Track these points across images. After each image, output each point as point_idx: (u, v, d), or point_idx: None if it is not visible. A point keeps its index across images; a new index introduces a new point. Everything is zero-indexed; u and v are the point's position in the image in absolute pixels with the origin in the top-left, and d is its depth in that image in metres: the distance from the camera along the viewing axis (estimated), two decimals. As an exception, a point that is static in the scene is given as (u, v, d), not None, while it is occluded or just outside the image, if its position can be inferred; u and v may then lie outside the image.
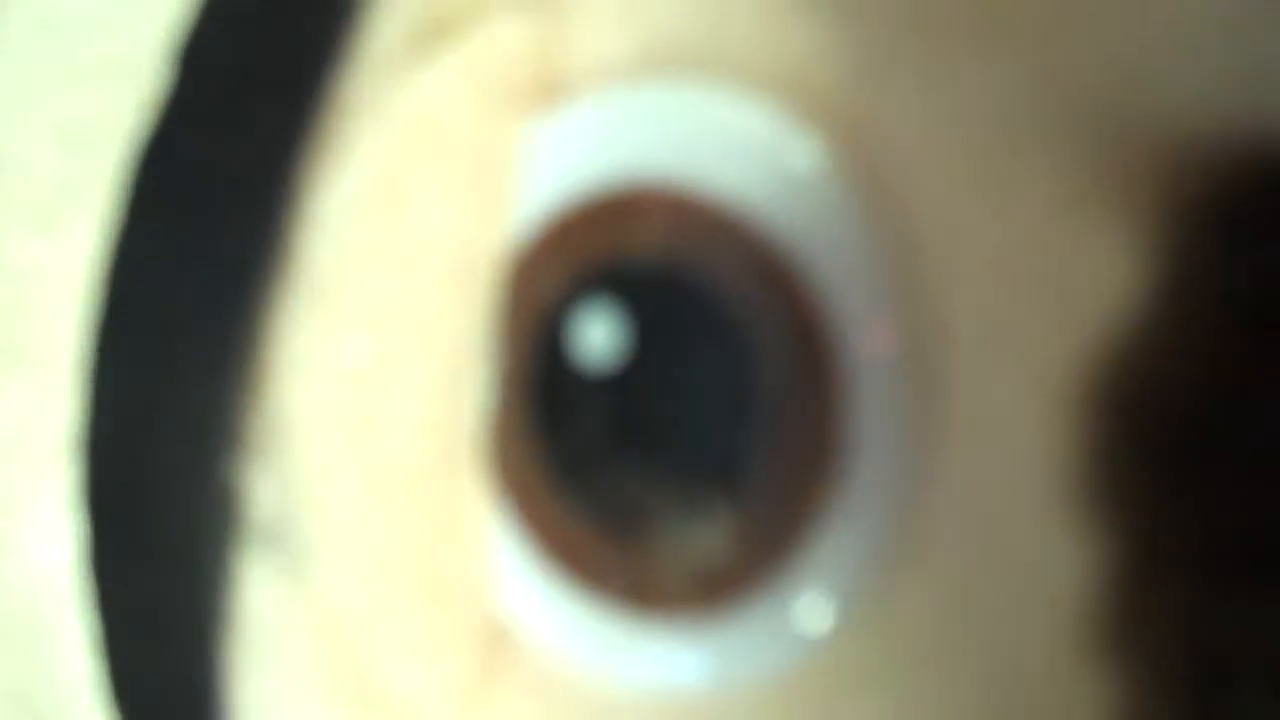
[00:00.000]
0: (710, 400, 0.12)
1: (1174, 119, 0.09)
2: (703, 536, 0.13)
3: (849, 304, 0.12)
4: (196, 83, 0.14)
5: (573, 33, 0.13)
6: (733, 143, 0.12)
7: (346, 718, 0.14)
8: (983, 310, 0.11)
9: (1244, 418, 0.09)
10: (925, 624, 0.11)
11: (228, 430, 0.14)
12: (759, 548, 0.12)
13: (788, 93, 0.11)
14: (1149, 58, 0.09)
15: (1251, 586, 0.09)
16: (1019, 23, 0.09)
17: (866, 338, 0.12)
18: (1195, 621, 0.09)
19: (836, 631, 0.12)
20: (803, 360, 0.12)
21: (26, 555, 0.16)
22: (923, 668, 0.11)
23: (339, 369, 0.14)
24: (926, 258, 0.11)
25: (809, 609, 0.12)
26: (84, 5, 0.15)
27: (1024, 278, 0.10)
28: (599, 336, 0.12)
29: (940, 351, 0.11)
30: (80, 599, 0.15)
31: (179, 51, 0.14)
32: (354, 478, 0.14)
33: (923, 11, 0.10)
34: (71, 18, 0.15)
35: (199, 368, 0.14)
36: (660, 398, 0.13)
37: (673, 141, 0.12)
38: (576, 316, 0.13)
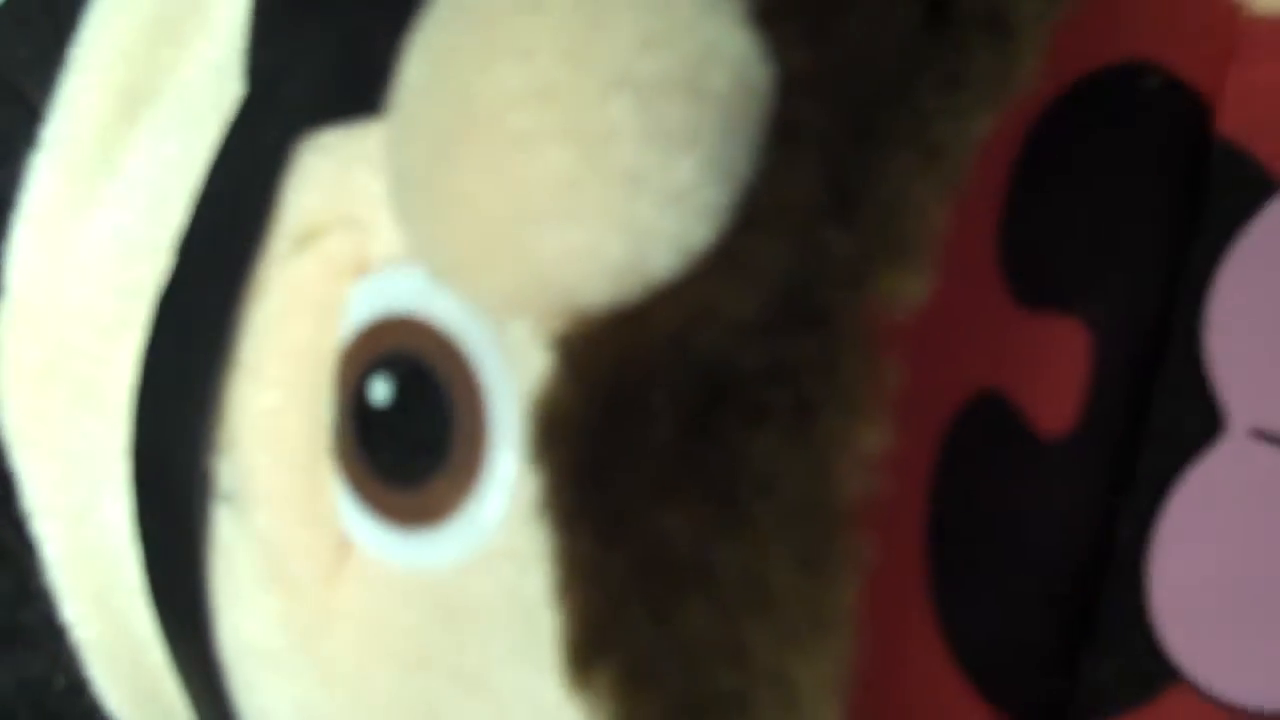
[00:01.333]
0: (431, 423, 0.19)
1: (558, 301, 0.16)
2: (437, 484, 0.19)
3: (493, 370, 0.19)
4: (184, 265, 0.22)
5: (373, 242, 0.20)
6: (441, 295, 0.19)
7: (267, 591, 0.21)
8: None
9: (614, 418, 0.16)
10: (518, 527, 0.19)
11: (208, 442, 0.22)
12: (460, 487, 0.19)
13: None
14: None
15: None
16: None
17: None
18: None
19: (500, 528, 0.19)
20: (468, 402, 0.19)
21: (105, 513, 0.24)
22: (521, 540, 0.18)
23: (260, 410, 0.21)
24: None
25: (490, 517, 0.19)
26: (136, 224, 0.23)
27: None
28: (382, 390, 0.20)
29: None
30: (132, 536, 0.23)
31: (178, 247, 0.22)
32: (270, 466, 0.21)
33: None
34: (130, 232, 0.23)
35: (191, 411, 0.22)
36: (409, 420, 0.20)
37: (417, 292, 0.20)
38: (373, 381, 0.20)
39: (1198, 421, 0.24)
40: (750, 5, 0.17)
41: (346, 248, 0.21)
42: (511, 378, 0.19)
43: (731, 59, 0.16)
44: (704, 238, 0.16)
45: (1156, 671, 0.23)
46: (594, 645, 0.17)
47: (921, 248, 0.17)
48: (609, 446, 0.17)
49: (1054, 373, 0.23)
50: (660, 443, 0.17)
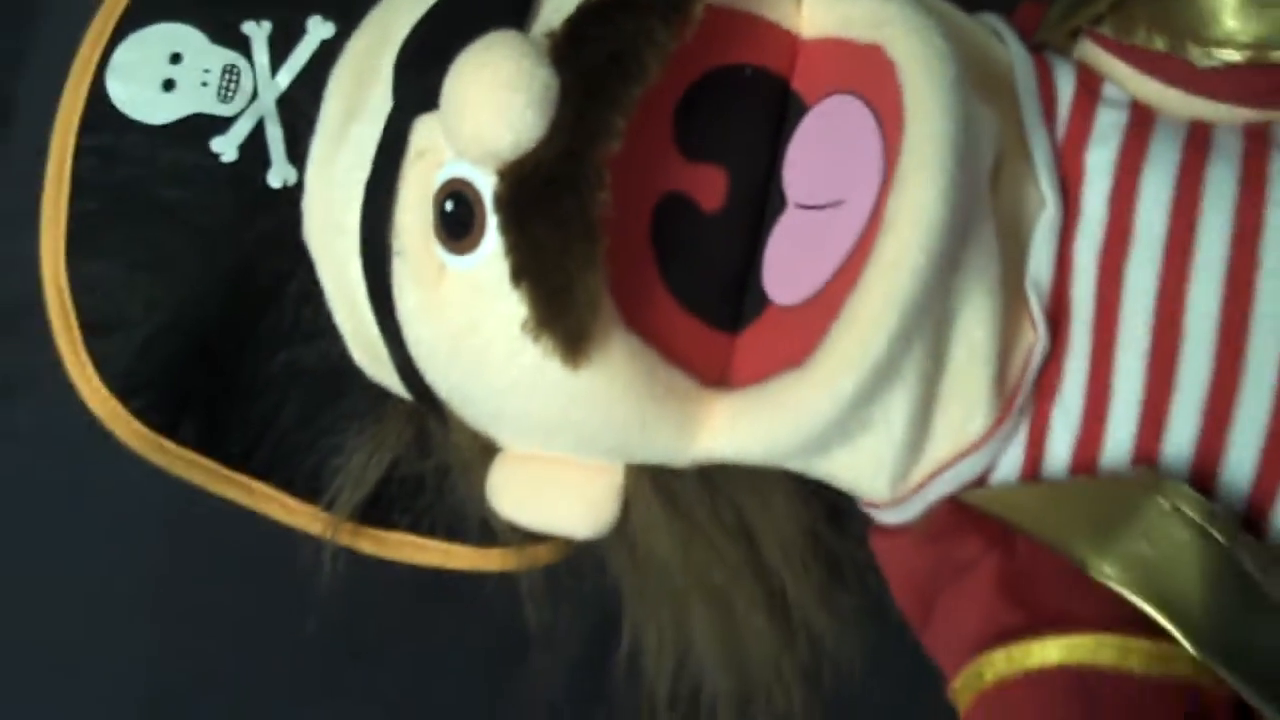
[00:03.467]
0: (468, 214, 0.51)
1: (496, 158, 0.48)
2: (471, 236, 0.52)
3: (485, 191, 0.50)
4: (375, 171, 0.54)
5: (444, 153, 0.52)
6: (467, 167, 0.51)
7: (417, 287, 0.52)
8: None
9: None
10: (498, 245, 0.50)
11: (389, 231, 0.54)
12: (479, 235, 0.51)
13: None
14: None
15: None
16: None
17: None
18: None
19: (494, 248, 0.51)
20: (479, 205, 0.50)
21: (349, 270, 0.57)
22: (500, 246, 0.50)
23: (407, 218, 0.53)
24: None
25: (491, 244, 0.51)
26: (356, 158, 0.55)
27: None
28: (450, 205, 0.52)
29: None
30: (360, 277, 0.55)
31: (372, 165, 0.54)
32: (413, 238, 0.52)
33: None
34: (354, 162, 0.55)
35: (383, 221, 0.53)
36: (460, 215, 0.52)
37: (460, 169, 0.52)
38: (446, 202, 0.52)
39: (777, 202, 0.55)
40: (552, 61, 0.50)
41: (435, 158, 0.50)
42: (488, 190, 0.50)
43: (544, 78, 0.48)
44: (540, 133, 0.48)
45: (760, 299, 0.54)
46: (518, 274, 0.49)
47: (613, 133, 0.49)
48: (518, 207, 0.49)
49: (707, 185, 0.53)
50: (535, 202, 0.49)
